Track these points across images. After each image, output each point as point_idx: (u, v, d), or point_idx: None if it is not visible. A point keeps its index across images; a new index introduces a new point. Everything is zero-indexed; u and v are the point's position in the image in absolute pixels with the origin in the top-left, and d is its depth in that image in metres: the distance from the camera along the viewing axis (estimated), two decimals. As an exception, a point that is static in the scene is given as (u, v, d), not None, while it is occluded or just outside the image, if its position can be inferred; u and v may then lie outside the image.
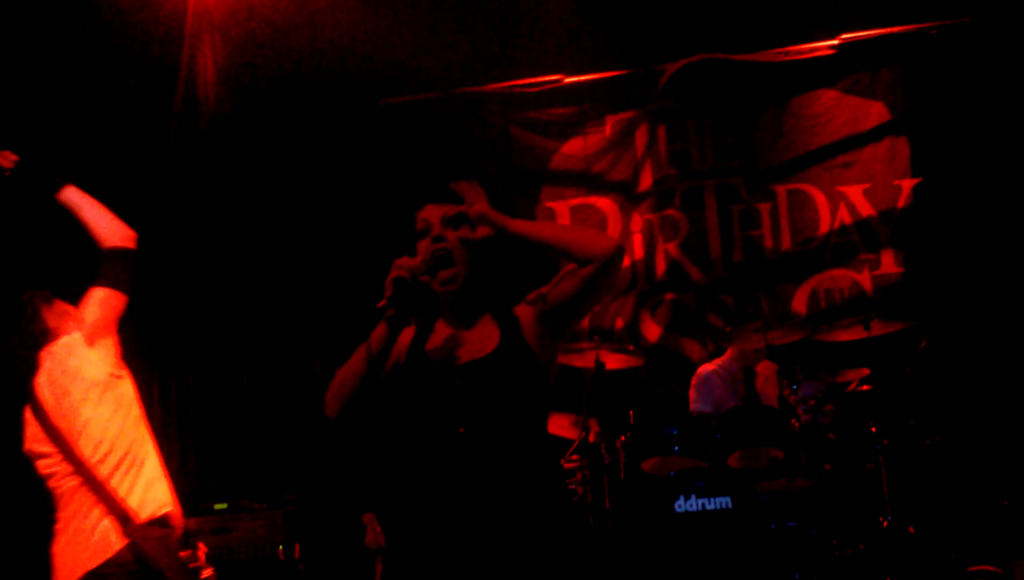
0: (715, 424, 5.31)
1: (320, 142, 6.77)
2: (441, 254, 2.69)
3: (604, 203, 6.87)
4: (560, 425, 5.57)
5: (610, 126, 6.91)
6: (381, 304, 2.63)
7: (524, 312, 2.75)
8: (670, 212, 6.81)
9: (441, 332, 2.78)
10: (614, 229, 6.81)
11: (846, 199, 6.59)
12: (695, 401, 5.79)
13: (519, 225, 2.73)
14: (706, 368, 5.86)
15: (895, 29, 6.56)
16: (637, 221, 6.82)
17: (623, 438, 5.39)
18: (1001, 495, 5.32)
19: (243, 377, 6.70)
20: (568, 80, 6.91)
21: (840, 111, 6.63)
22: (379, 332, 2.70)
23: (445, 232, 2.72)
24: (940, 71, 6.43)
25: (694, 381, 5.85)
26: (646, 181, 6.85)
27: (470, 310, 2.76)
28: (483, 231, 2.71)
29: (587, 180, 6.88)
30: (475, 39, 6.72)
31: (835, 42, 6.64)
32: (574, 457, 5.48)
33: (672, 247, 6.77)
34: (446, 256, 2.70)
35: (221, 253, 6.70)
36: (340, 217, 6.69)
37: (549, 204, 6.88)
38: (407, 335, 2.83)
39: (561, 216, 6.86)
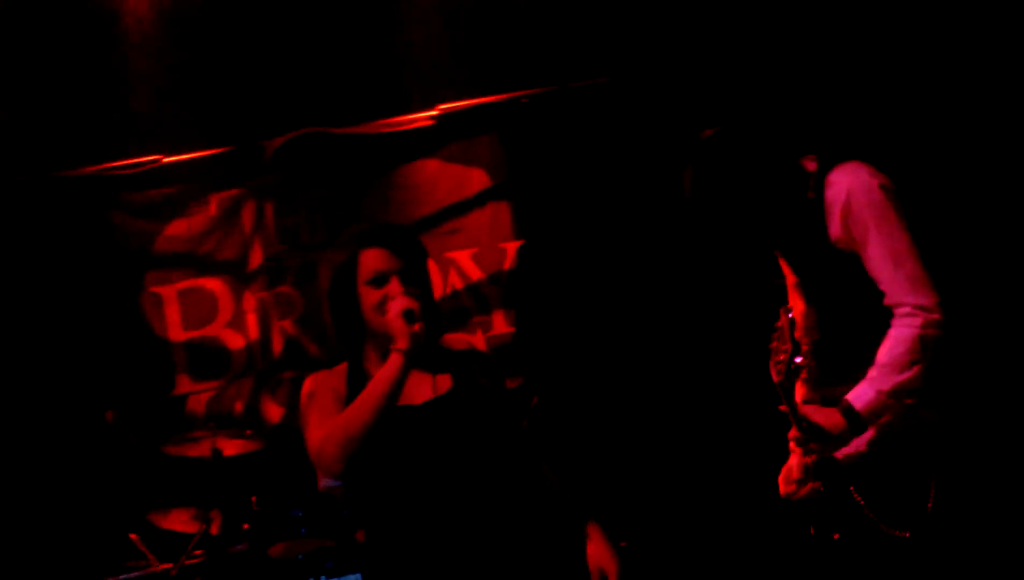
0: (342, 500, 5.23)
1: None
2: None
3: (214, 284, 6.64)
4: (180, 520, 5.31)
5: (215, 204, 6.70)
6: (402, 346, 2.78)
7: None
8: (284, 289, 6.68)
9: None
10: (226, 310, 6.60)
11: (456, 265, 6.73)
12: (322, 477, 5.68)
13: None
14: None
15: (490, 98, 6.81)
16: (250, 300, 6.64)
17: (247, 526, 5.21)
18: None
19: None
20: (167, 159, 6.66)
21: (443, 180, 6.77)
22: (393, 370, 2.78)
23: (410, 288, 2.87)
24: (533, 136, 6.73)
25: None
26: (256, 259, 6.70)
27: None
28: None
29: (194, 261, 6.62)
30: (67, 119, 6.36)
31: (434, 112, 6.80)
32: (196, 552, 5.23)
33: (288, 324, 6.64)
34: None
35: None
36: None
37: (155, 289, 6.56)
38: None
39: (169, 300, 6.57)
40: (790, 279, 3.35)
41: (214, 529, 5.23)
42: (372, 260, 2.91)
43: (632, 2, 6.47)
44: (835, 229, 3.00)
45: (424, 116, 6.81)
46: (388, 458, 2.89)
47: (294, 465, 5.88)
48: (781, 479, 3.17)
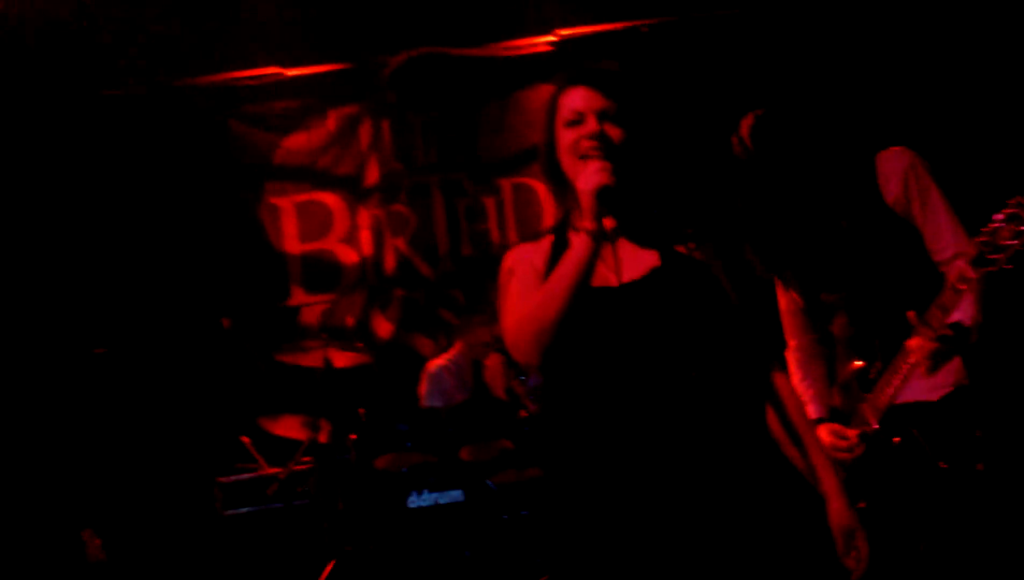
0: (446, 418, 5.34)
1: (31, 133, 6.36)
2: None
3: (331, 199, 6.75)
4: (289, 427, 5.45)
5: (333, 120, 6.79)
6: (588, 226, 2.43)
7: None
8: (397, 207, 6.77)
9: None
10: (341, 225, 6.71)
11: (567, 192, 6.72)
12: (425, 397, 5.80)
13: None
14: (435, 363, 5.87)
15: (609, 26, 6.74)
16: (364, 216, 6.74)
17: (354, 437, 5.34)
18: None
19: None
20: (289, 73, 6.74)
21: (561, 105, 6.74)
22: (581, 252, 2.46)
23: (604, 126, 2.53)
24: (653, 66, 6.65)
25: (424, 376, 5.86)
26: (372, 176, 6.78)
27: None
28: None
29: (312, 175, 6.74)
30: (189, 29, 6.44)
31: (553, 38, 6.77)
32: (304, 459, 5.38)
33: (401, 243, 6.73)
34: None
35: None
36: (57, 211, 6.32)
37: (274, 200, 6.70)
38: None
39: (286, 212, 6.70)
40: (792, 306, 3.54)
41: (322, 437, 5.37)
42: (571, 99, 2.57)
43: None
44: (894, 194, 3.23)
45: (543, 41, 6.78)
46: (584, 347, 2.53)
47: (402, 381, 6.07)
48: (833, 444, 3.23)
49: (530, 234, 2.94)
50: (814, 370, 3.50)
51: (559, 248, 2.65)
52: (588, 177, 2.48)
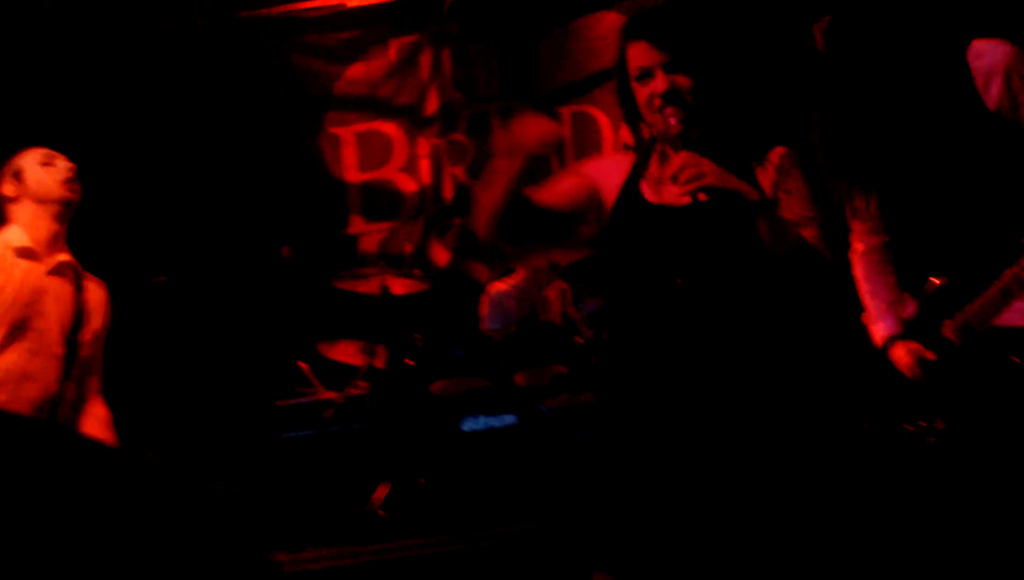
0: (501, 344, 5.32)
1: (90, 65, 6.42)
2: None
3: (390, 128, 6.75)
4: (346, 352, 5.49)
5: (394, 50, 6.77)
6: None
7: None
8: (457, 136, 6.74)
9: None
10: (400, 154, 6.71)
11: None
12: (488, 320, 5.78)
13: None
14: (498, 287, 5.85)
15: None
16: (424, 146, 6.73)
17: (411, 362, 5.36)
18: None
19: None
20: (350, 4, 6.73)
21: (622, 33, 6.64)
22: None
23: (673, 79, 2.66)
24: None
25: (485, 300, 5.84)
26: (432, 105, 6.76)
27: None
28: None
29: (372, 104, 6.74)
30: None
31: (615, -35, 6.66)
32: (362, 383, 5.41)
33: (460, 172, 6.72)
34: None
35: None
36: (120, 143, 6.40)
37: (334, 130, 6.72)
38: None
39: (346, 142, 6.71)
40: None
41: (379, 363, 5.40)
42: (636, 55, 2.67)
43: None
44: (995, 97, 2.88)
45: (605, -32, 6.69)
46: (644, 268, 2.67)
47: (458, 308, 6.06)
48: (912, 365, 3.06)
49: None
50: (883, 279, 3.22)
51: (638, 171, 2.79)
52: (668, 120, 2.64)
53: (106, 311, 3.88)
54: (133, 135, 6.39)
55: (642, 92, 2.68)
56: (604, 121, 6.67)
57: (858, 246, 3.27)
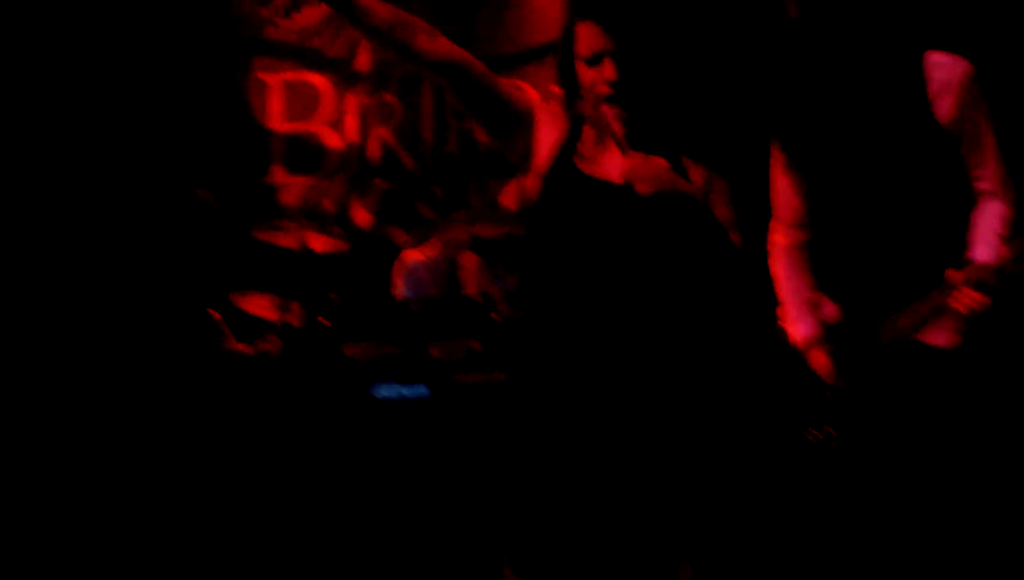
0: (418, 313, 5.35)
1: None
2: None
3: (319, 80, 6.65)
4: (260, 305, 5.45)
5: (329, 1, 6.66)
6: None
7: None
8: (386, 96, 6.68)
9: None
10: (327, 108, 6.62)
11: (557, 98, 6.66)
12: (399, 288, 5.80)
13: None
14: (412, 255, 5.86)
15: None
16: (352, 102, 6.65)
17: (326, 322, 5.35)
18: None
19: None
20: (288, -52, 6.60)
21: (563, 9, 6.65)
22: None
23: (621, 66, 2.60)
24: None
25: (398, 267, 5.85)
26: (364, 62, 6.67)
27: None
28: None
29: (303, 54, 6.62)
30: None
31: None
32: (273, 338, 5.39)
33: (386, 132, 6.66)
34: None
35: None
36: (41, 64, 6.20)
37: (262, 76, 6.60)
38: None
39: (274, 89, 6.59)
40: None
41: (293, 319, 5.37)
42: (587, 36, 2.60)
43: None
44: (946, 110, 2.96)
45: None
46: (570, 243, 2.66)
47: (376, 271, 6.05)
48: (829, 372, 3.10)
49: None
50: (803, 278, 3.23)
51: (572, 142, 2.75)
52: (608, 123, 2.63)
53: None
54: (59, 56, 6.18)
55: (587, 75, 2.63)
56: (534, 96, 6.65)
57: (779, 239, 3.26)
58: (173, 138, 6.35)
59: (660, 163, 2.58)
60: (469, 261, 5.80)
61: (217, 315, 5.46)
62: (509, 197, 6.55)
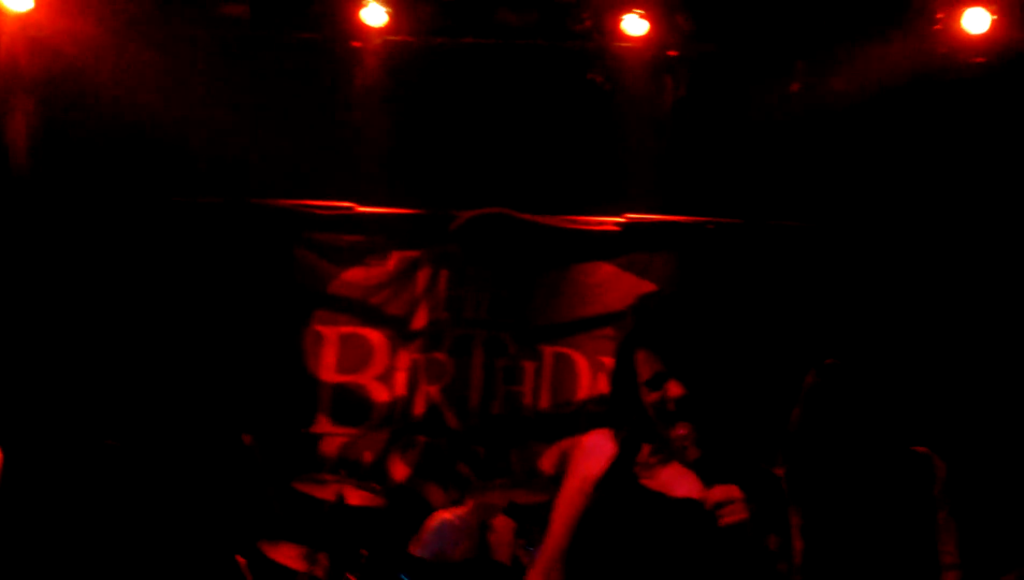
0: (449, 574, 5.26)
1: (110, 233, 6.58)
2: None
3: (375, 335, 6.83)
4: (288, 555, 5.40)
5: (394, 261, 6.92)
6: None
7: None
8: (438, 355, 6.82)
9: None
10: (379, 363, 6.77)
11: (606, 370, 6.74)
12: (423, 544, 5.71)
13: None
14: (441, 515, 5.81)
15: (677, 217, 6.86)
16: (404, 359, 6.79)
17: (352, 578, 5.27)
18: None
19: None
20: (360, 209, 6.92)
21: (616, 286, 6.82)
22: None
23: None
24: (712, 263, 6.71)
25: (427, 524, 5.79)
26: (420, 321, 6.86)
27: None
28: None
29: (362, 310, 6.84)
30: (270, 148, 6.60)
31: (620, 220, 6.89)
32: (297, 591, 5.31)
33: (434, 390, 6.76)
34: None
35: None
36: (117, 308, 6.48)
37: (319, 328, 6.80)
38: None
39: (329, 341, 6.78)
40: None
41: (319, 571, 5.30)
42: (648, 361, 2.67)
43: (836, 153, 6.42)
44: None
45: (611, 221, 6.90)
46: (611, 545, 2.71)
47: (409, 528, 5.99)
48: None
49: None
50: None
51: (623, 465, 2.70)
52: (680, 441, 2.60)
53: None
54: (133, 298, 6.48)
55: (651, 396, 2.65)
56: (583, 365, 6.77)
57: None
58: (226, 382, 6.50)
59: (737, 494, 2.61)
60: (502, 525, 5.73)
61: (243, 560, 5.41)
62: (549, 463, 6.55)
